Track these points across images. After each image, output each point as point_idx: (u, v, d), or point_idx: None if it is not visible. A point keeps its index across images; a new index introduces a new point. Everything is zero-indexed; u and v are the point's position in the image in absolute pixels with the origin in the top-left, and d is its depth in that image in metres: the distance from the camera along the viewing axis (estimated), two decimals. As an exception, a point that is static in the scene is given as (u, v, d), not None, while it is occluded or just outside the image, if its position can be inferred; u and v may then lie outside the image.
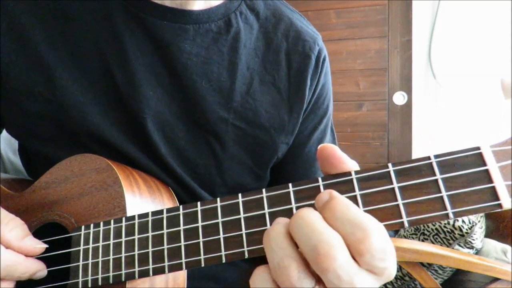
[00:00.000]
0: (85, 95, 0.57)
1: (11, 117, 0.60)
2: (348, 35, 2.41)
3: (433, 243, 1.43)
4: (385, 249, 0.30)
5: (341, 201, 0.32)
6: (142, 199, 0.53)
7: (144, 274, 0.43)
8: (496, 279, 1.23)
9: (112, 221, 0.47)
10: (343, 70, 2.43)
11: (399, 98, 2.38)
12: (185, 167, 0.63)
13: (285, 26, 0.68)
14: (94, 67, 0.58)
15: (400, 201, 0.34)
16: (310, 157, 0.72)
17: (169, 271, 0.42)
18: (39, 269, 0.48)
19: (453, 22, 2.28)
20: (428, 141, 2.35)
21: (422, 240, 1.48)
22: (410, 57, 2.35)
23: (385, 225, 0.34)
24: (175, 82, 0.60)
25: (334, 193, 0.33)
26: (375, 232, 0.30)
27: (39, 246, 0.49)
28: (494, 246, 1.46)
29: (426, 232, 1.48)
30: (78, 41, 0.58)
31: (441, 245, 1.39)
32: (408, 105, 2.37)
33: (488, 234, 1.51)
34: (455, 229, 1.38)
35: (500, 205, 0.31)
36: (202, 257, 0.40)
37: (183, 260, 0.41)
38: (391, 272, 0.31)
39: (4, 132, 0.65)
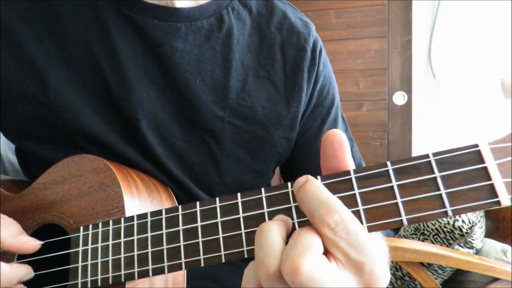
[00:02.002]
0: (78, 97, 0.57)
1: (6, 120, 0.60)
2: (348, 35, 2.42)
3: (433, 243, 1.42)
4: (353, 230, 0.31)
5: (313, 182, 0.34)
6: (140, 199, 0.53)
7: (143, 274, 0.43)
8: (496, 279, 1.23)
9: (111, 222, 0.47)
10: (343, 70, 2.43)
11: (399, 98, 2.38)
12: (182, 167, 0.62)
13: (278, 20, 0.67)
14: (85, 68, 0.58)
15: (399, 199, 0.33)
16: None
17: (168, 271, 0.42)
18: (24, 274, 0.48)
19: (453, 22, 2.28)
20: (428, 141, 2.35)
21: (422, 240, 1.47)
22: (410, 57, 2.35)
23: (384, 223, 0.33)
24: (168, 82, 0.60)
25: (310, 177, 0.34)
26: (343, 210, 0.32)
27: (34, 243, 0.49)
28: (494, 246, 1.46)
29: (426, 232, 1.47)
30: (69, 42, 0.58)
31: (441, 245, 1.39)
32: (408, 105, 2.37)
33: (488, 234, 1.51)
34: (455, 229, 1.38)
35: (498, 202, 0.31)
36: (201, 257, 0.40)
37: (183, 260, 0.41)
38: (375, 271, 0.31)
39: (3, 132, 0.65)
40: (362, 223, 0.34)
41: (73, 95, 0.57)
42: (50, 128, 0.58)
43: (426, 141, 2.37)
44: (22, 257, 0.53)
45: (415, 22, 2.34)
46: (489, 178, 0.32)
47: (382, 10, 2.37)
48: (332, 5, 2.42)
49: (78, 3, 0.58)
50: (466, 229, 1.37)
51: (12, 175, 0.95)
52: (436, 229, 1.43)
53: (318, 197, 0.33)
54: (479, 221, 1.40)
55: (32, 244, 0.49)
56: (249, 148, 0.65)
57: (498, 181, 0.31)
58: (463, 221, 1.38)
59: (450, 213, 0.32)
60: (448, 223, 1.40)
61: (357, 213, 0.34)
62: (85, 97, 0.58)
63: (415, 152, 2.38)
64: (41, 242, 0.50)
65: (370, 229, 0.34)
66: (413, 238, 1.53)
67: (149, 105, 0.59)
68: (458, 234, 1.38)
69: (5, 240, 0.47)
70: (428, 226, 1.47)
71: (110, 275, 0.45)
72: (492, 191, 0.32)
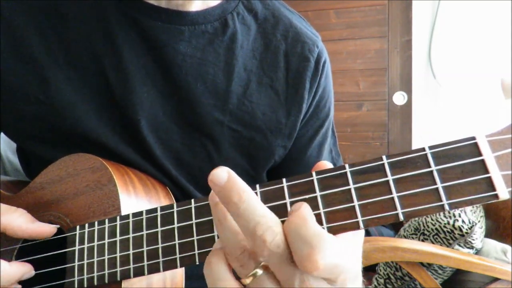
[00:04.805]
0: (79, 97, 0.57)
1: (7, 118, 0.60)
2: (348, 35, 2.41)
3: (433, 243, 1.42)
4: (335, 265, 0.31)
5: (299, 214, 0.31)
6: (137, 198, 0.53)
7: (139, 272, 0.43)
8: (496, 279, 1.23)
9: (106, 221, 0.47)
10: (343, 70, 2.43)
11: (399, 98, 2.38)
12: (180, 169, 0.62)
13: (284, 27, 0.67)
14: (88, 68, 0.58)
15: (395, 194, 0.33)
16: (311, 160, 0.71)
17: (164, 269, 0.42)
18: (24, 272, 0.49)
19: (453, 22, 2.28)
20: (428, 141, 2.35)
21: (422, 240, 1.47)
22: (410, 57, 2.35)
23: (380, 218, 0.33)
24: (169, 84, 0.59)
25: (299, 206, 0.33)
26: (324, 250, 0.30)
27: (53, 225, 0.51)
28: (494, 246, 1.45)
29: (426, 232, 1.47)
30: (72, 42, 0.57)
31: (441, 245, 1.38)
32: (408, 105, 2.37)
33: (488, 234, 1.50)
34: (455, 229, 1.38)
35: (496, 196, 0.31)
36: (196, 253, 0.40)
37: (178, 256, 0.41)
38: (346, 282, 0.32)
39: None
40: (357, 217, 0.34)
41: (74, 95, 0.57)
42: (50, 127, 0.58)
43: (426, 141, 2.36)
44: (20, 256, 0.53)
45: (415, 22, 2.34)
46: (487, 171, 0.31)
47: (382, 10, 2.37)
48: (332, 5, 2.42)
49: (83, 3, 0.58)
50: (466, 229, 1.36)
51: (12, 175, 0.95)
52: (436, 229, 1.43)
53: (300, 233, 0.31)
54: (479, 221, 1.40)
55: (52, 226, 0.50)
56: (247, 154, 0.65)
57: (495, 174, 0.31)
58: (463, 221, 1.38)
59: (447, 207, 0.32)
60: (448, 223, 1.40)
61: (352, 209, 0.34)
62: (86, 97, 0.58)
63: (415, 153, 2.38)
64: (57, 226, 0.51)
65: (366, 223, 0.33)
66: (413, 238, 1.53)
67: (149, 106, 0.59)
68: (458, 234, 1.37)
69: (20, 225, 0.48)
70: (428, 226, 1.47)
71: (106, 272, 0.45)
72: (489, 184, 0.31)
